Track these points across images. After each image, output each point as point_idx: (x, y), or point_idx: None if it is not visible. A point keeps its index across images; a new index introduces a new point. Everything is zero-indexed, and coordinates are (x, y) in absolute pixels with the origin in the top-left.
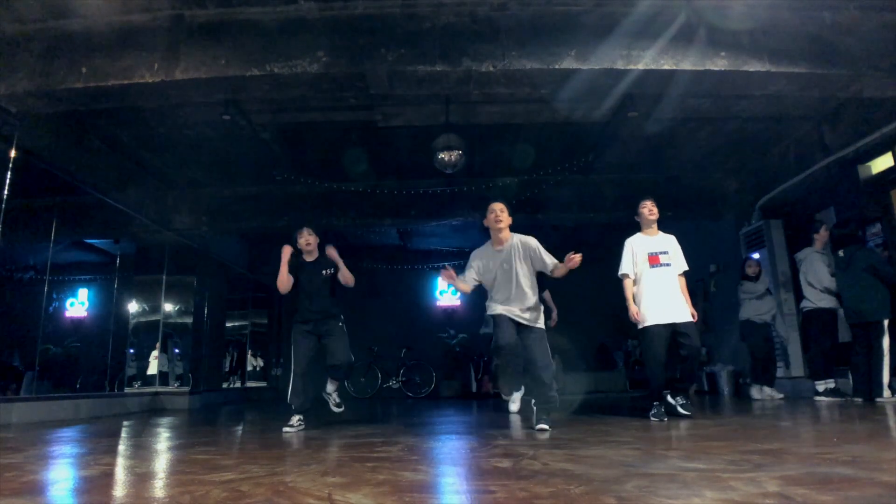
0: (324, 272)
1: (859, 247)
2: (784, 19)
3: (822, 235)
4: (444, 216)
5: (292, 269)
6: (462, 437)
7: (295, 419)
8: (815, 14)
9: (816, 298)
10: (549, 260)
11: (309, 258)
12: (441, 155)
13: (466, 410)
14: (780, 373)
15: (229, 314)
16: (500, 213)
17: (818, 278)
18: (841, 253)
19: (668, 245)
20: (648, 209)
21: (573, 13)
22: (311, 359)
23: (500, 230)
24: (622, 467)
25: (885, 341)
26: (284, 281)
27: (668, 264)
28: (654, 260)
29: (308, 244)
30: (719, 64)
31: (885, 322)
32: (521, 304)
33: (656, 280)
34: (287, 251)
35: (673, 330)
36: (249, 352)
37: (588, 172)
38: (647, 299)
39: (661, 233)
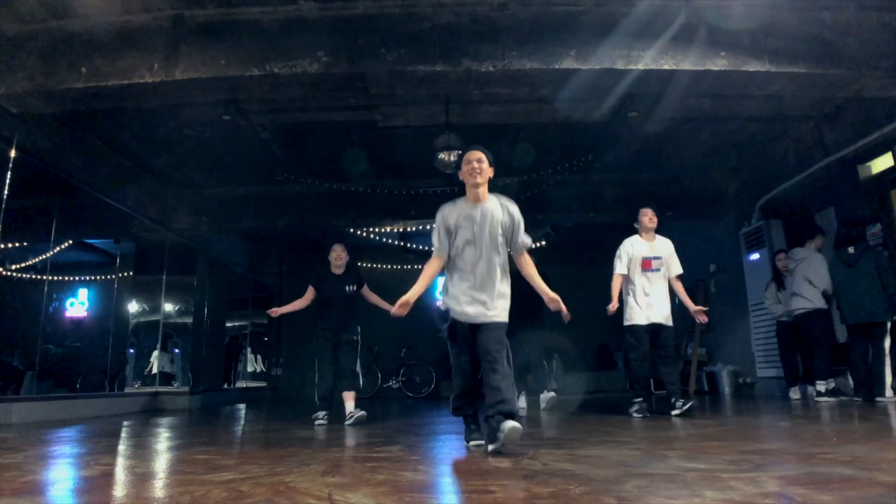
0: (347, 288)
1: (866, 246)
2: (784, 19)
3: (817, 243)
4: None
5: (314, 281)
6: (462, 437)
7: (321, 414)
8: (815, 14)
9: (816, 299)
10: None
11: (336, 271)
12: (441, 155)
13: None
14: (772, 373)
15: (229, 314)
16: (476, 165)
17: (820, 279)
18: (851, 250)
19: (663, 250)
20: (649, 217)
21: (573, 13)
22: (333, 361)
23: (476, 185)
24: (622, 467)
25: (887, 342)
26: (305, 304)
27: (658, 269)
28: (646, 265)
29: (338, 258)
30: (719, 64)
31: (889, 323)
32: (487, 292)
33: (646, 284)
34: (275, 313)
35: (652, 330)
36: (249, 351)
37: (588, 172)
38: (635, 300)
39: (658, 237)
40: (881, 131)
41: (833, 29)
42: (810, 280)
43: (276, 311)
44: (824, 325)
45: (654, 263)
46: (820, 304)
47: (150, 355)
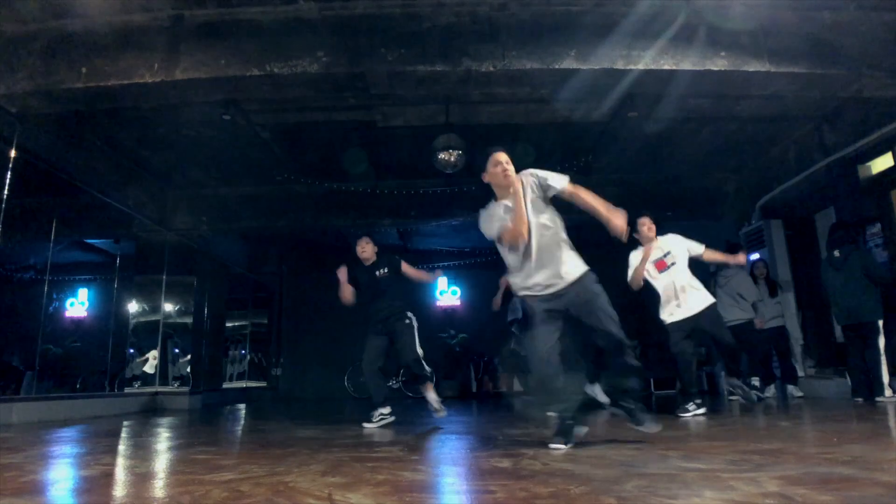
0: (378, 272)
1: (854, 247)
2: (784, 19)
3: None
4: (444, 216)
5: (351, 280)
6: (462, 437)
7: (376, 414)
8: (815, 14)
9: (748, 310)
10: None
11: (367, 263)
12: (441, 155)
13: (466, 410)
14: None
15: (229, 314)
16: (506, 166)
17: (750, 293)
18: (837, 253)
19: (670, 245)
20: (647, 227)
21: (573, 13)
22: (382, 356)
23: (509, 186)
24: (622, 467)
25: (881, 341)
26: (347, 296)
27: (674, 263)
28: (661, 265)
29: (363, 251)
30: (719, 64)
31: (880, 322)
32: (551, 271)
33: (669, 283)
34: (343, 273)
35: (693, 325)
36: (249, 351)
37: (588, 172)
38: (664, 301)
39: (659, 238)
40: (881, 131)
41: (833, 29)
42: (741, 294)
43: (342, 273)
44: (756, 333)
45: (668, 259)
46: (751, 314)
47: (150, 355)
